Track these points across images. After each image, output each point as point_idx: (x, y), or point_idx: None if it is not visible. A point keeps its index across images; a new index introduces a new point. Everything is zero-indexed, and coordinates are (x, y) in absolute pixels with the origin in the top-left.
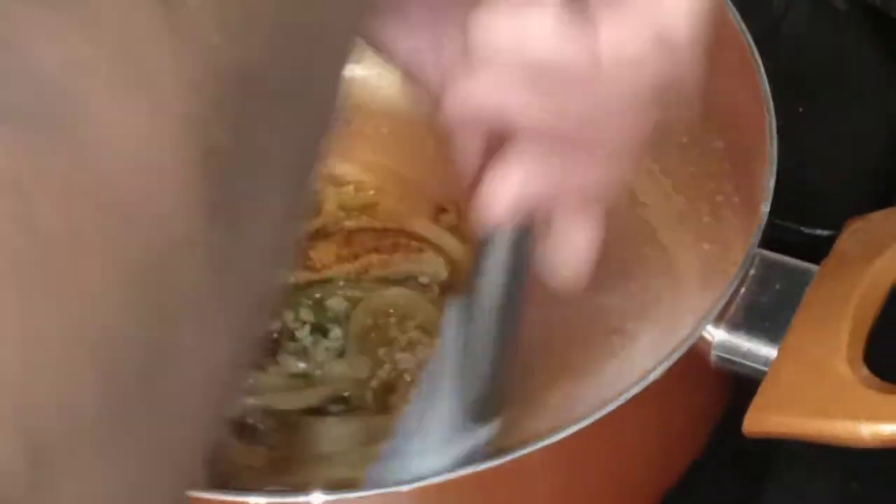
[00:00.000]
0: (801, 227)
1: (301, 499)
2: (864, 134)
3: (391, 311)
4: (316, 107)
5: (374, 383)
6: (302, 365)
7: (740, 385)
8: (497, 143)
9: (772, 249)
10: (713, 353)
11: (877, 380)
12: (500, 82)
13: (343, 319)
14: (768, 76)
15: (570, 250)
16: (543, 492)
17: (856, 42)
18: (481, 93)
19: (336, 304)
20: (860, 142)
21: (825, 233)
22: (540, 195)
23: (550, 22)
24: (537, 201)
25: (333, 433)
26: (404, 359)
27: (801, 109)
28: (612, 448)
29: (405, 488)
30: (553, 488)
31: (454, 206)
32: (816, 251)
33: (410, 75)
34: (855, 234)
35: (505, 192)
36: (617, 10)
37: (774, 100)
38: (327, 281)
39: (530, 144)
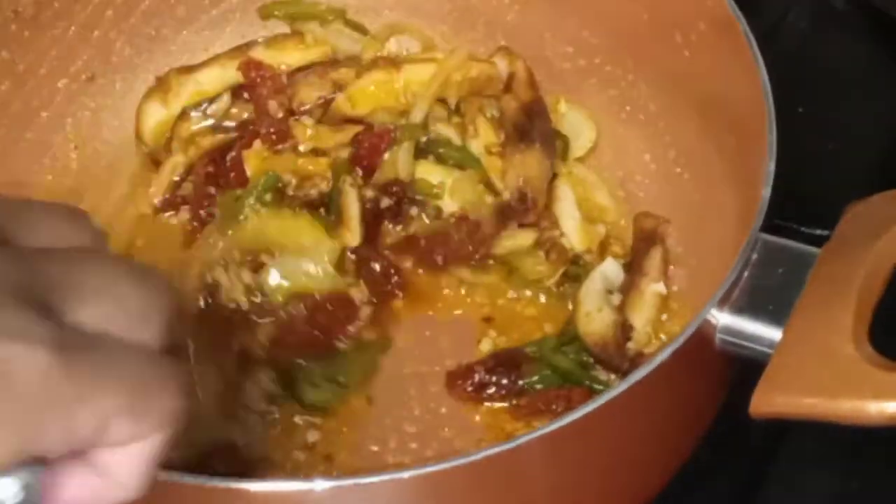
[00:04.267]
0: (801, 226)
1: (303, 486)
2: (864, 134)
3: None
4: None
5: None
6: None
7: (741, 376)
8: None
9: None
10: (718, 336)
11: (882, 358)
12: None
13: None
14: (768, 76)
15: None
16: (545, 479)
17: (856, 42)
18: None
19: None
20: (860, 142)
21: (825, 232)
22: None
23: None
24: None
25: None
26: None
27: (801, 109)
28: (614, 435)
29: (405, 475)
30: (554, 476)
31: None
32: None
33: None
34: (855, 217)
35: None
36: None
37: (774, 100)
38: None
39: None
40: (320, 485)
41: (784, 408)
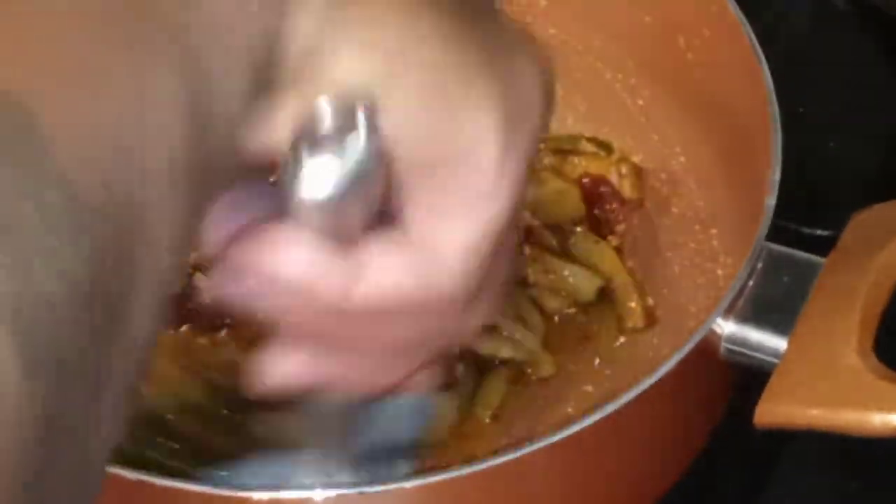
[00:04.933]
0: (802, 227)
1: (302, 494)
2: (865, 134)
3: None
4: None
5: None
6: None
7: (744, 383)
8: None
9: None
10: (723, 346)
11: (887, 370)
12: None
13: None
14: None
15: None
16: (548, 489)
17: (856, 42)
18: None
19: None
20: (860, 141)
21: (826, 233)
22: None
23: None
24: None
25: None
26: None
27: (801, 109)
28: (619, 443)
29: (408, 485)
30: (558, 485)
31: None
32: (817, 251)
33: None
34: (859, 226)
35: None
36: (388, 253)
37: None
38: None
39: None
40: (320, 493)
41: (788, 418)
